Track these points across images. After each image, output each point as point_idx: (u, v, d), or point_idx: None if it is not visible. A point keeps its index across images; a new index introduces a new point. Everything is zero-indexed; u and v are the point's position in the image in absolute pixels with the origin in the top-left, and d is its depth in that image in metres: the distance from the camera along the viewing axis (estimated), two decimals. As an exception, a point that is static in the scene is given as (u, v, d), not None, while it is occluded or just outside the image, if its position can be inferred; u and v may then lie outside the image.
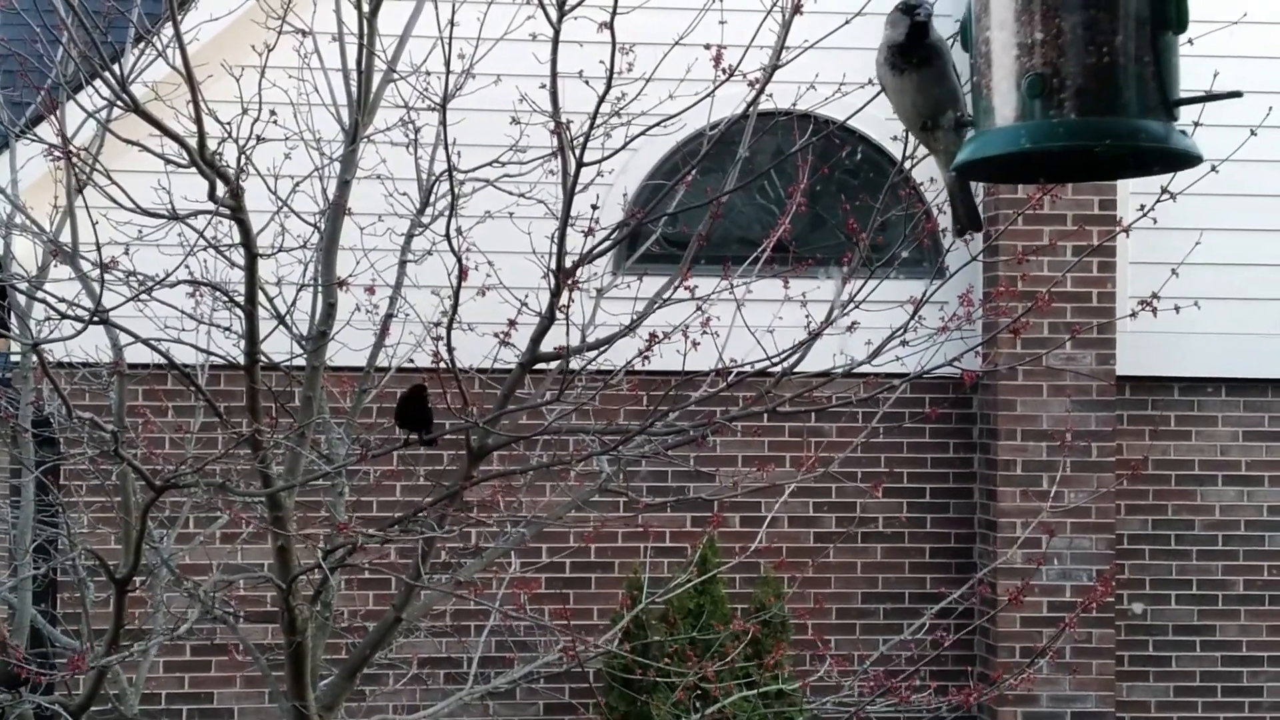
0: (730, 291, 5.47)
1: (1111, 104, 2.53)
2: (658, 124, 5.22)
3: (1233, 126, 5.39)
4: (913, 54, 2.91)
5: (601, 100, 4.93)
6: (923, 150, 4.83)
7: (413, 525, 5.31)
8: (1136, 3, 2.54)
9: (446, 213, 5.23)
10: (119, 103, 4.85)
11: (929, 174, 5.24)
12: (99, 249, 4.90)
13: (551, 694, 8.52)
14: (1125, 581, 9.31)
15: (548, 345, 5.16)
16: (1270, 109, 5.94)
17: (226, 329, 5.72)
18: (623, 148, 5.19)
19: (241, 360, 5.15)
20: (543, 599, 6.57)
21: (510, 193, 5.90)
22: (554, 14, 4.86)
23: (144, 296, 5.08)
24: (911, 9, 2.90)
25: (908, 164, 5.02)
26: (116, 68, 4.87)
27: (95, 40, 4.79)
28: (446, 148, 5.05)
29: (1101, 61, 2.52)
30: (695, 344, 5.24)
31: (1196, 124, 4.39)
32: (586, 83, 4.92)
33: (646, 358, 5.02)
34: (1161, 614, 9.45)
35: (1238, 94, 2.70)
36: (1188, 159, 2.59)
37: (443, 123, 5.10)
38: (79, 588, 6.55)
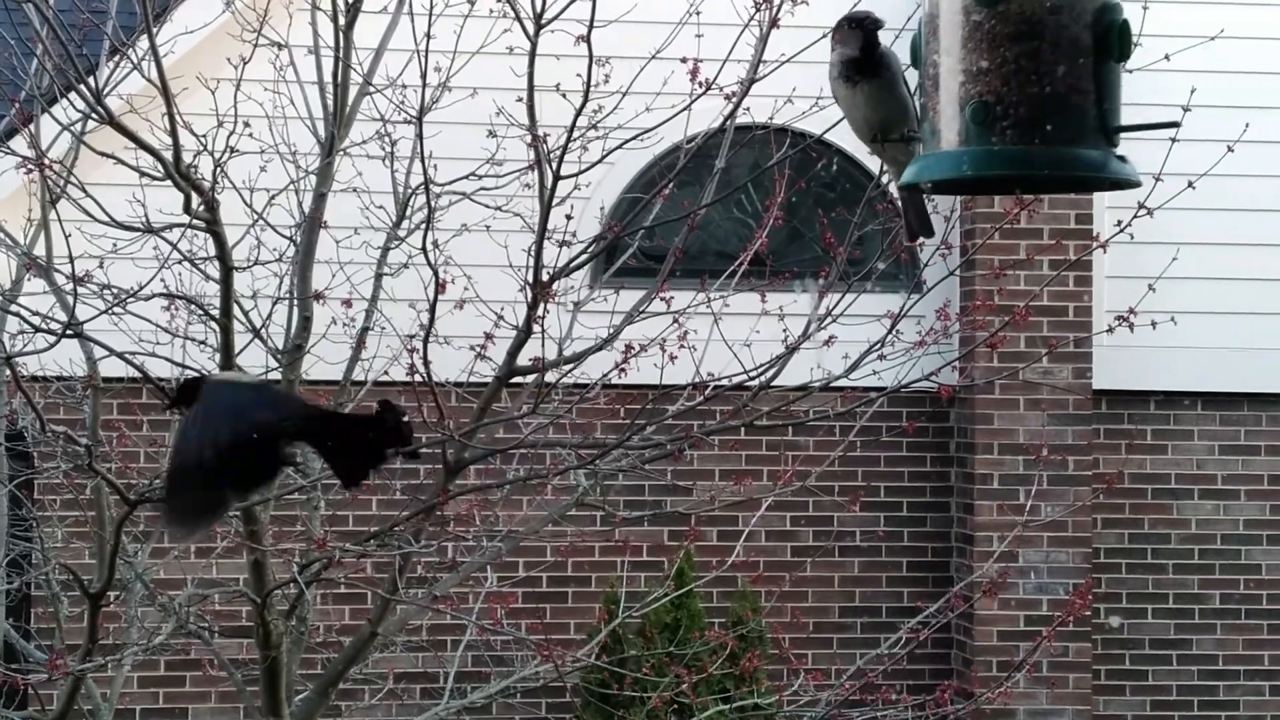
0: (707, 305, 5.46)
1: (1052, 132, 2.60)
2: (635, 137, 5.21)
3: (1210, 141, 5.41)
4: (865, 67, 2.94)
5: (578, 113, 4.93)
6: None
7: (389, 540, 5.29)
8: (1080, 34, 2.60)
9: (423, 226, 5.22)
10: (94, 116, 4.84)
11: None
12: (73, 262, 4.89)
13: (528, 709, 8.50)
14: (1102, 595, 9.32)
15: (524, 359, 5.15)
16: (1247, 124, 5.96)
17: (202, 342, 5.70)
18: (599, 161, 5.19)
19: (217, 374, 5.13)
20: (519, 613, 6.54)
21: (487, 206, 5.89)
22: (531, 27, 4.86)
23: (118, 310, 5.06)
24: (860, 21, 2.93)
25: (884, 178, 5.02)
26: (92, 80, 4.86)
27: (70, 53, 4.78)
28: (423, 161, 5.04)
29: (1044, 91, 2.59)
30: (672, 357, 5.23)
31: (1174, 140, 4.41)
32: (564, 96, 4.91)
33: (623, 371, 5.02)
34: (1138, 628, 9.45)
35: (1175, 124, 2.78)
36: (1124, 184, 2.67)
37: (419, 136, 5.09)
38: (52, 602, 6.51)
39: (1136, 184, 2.67)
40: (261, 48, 5.89)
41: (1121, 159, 2.64)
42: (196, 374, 5.61)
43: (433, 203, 5.13)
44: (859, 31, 2.93)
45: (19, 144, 6.20)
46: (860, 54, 2.94)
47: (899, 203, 3.12)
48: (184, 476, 3.18)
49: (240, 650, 7.28)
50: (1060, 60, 2.59)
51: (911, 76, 2.89)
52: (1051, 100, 2.59)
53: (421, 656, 8.27)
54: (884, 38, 2.99)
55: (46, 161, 4.95)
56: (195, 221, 4.92)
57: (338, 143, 5.64)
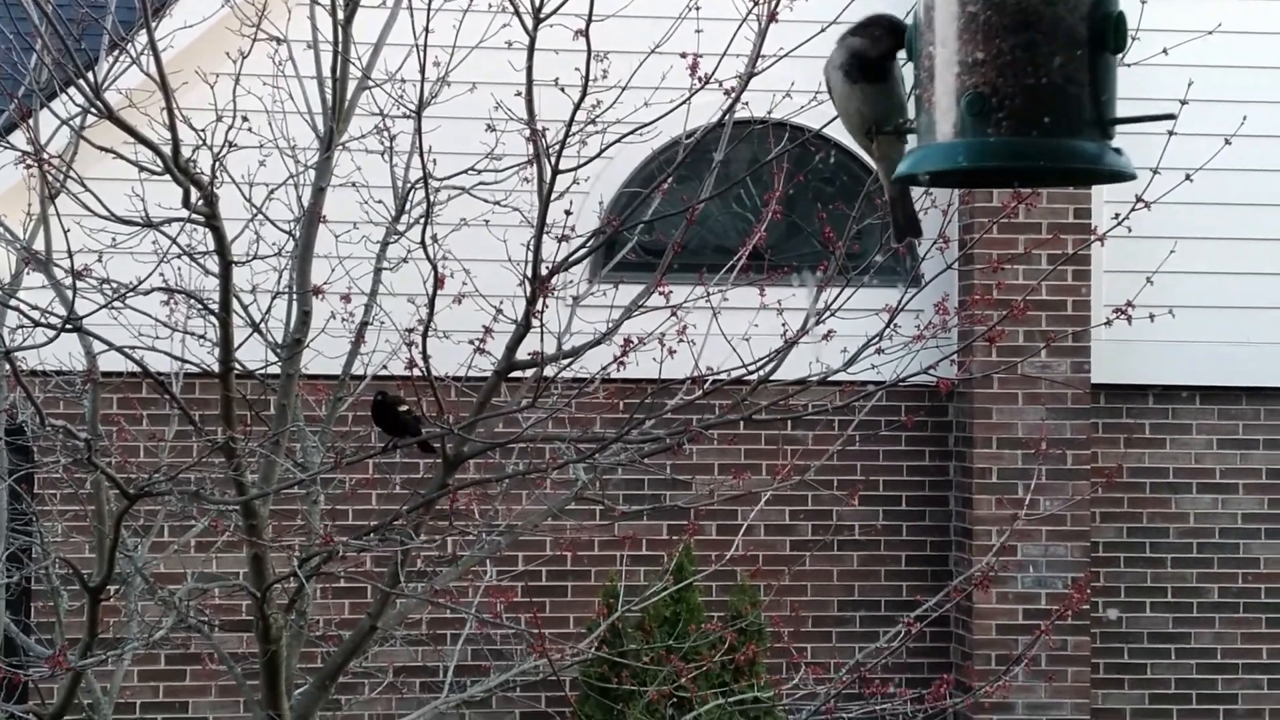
0: (706, 299, 5.46)
1: (1047, 124, 2.59)
2: (633, 131, 5.21)
3: (1208, 135, 5.41)
4: (873, 72, 2.93)
5: (577, 108, 4.93)
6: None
7: (389, 533, 5.30)
8: (1077, 25, 2.59)
9: (422, 220, 5.23)
10: (93, 110, 4.84)
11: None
12: (72, 257, 4.89)
13: (527, 702, 8.51)
14: (1100, 589, 9.33)
15: (523, 353, 5.16)
16: (1245, 118, 5.96)
17: (201, 337, 5.70)
18: (598, 155, 5.19)
19: (216, 368, 5.13)
20: (519, 607, 6.55)
21: (486, 200, 5.89)
22: (530, 22, 4.86)
23: (118, 304, 5.06)
24: (897, 29, 2.90)
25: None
26: (90, 75, 4.86)
27: (69, 47, 4.78)
28: (422, 155, 5.04)
29: (1040, 82, 2.58)
30: (671, 352, 5.23)
31: (1171, 133, 4.42)
32: (562, 90, 4.92)
33: (622, 365, 5.02)
34: (1136, 621, 9.46)
35: (1172, 116, 2.77)
36: (1119, 177, 2.66)
37: (418, 130, 5.09)
38: (52, 596, 6.52)
39: (1132, 176, 2.66)
40: (260, 42, 5.89)
41: (1118, 151, 2.63)
42: (195, 368, 5.62)
43: (432, 197, 5.13)
44: (891, 39, 2.91)
45: (18, 139, 6.21)
46: (878, 55, 2.92)
47: (888, 203, 3.11)
48: None
49: (240, 644, 7.29)
50: (1056, 52, 2.59)
51: (906, 71, 2.88)
52: (1048, 92, 2.59)
53: (421, 650, 8.28)
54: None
55: (46, 156, 4.95)
56: (194, 216, 4.91)
57: (336, 137, 5.64)
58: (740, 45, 4.98)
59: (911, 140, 2.81)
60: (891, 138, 2.95)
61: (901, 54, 2.85)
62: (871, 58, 2.92)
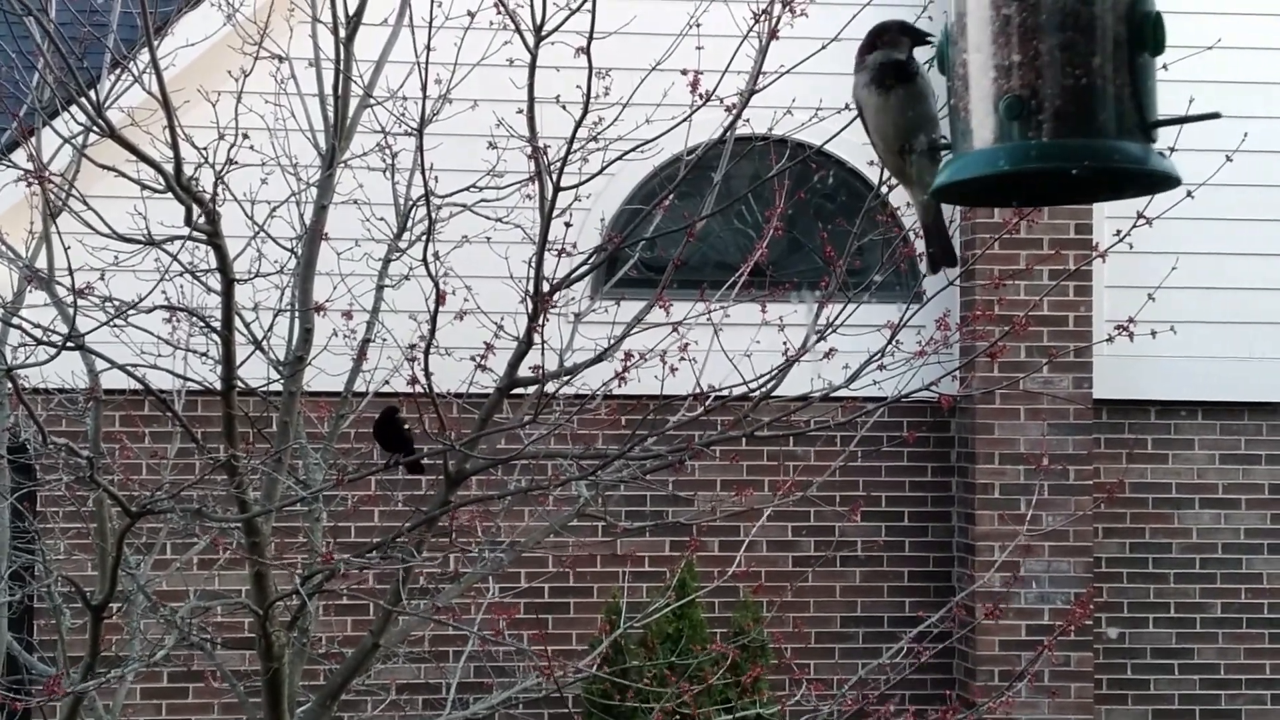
0: (708, 316, 5.47)
1: (1089, 126, 2.53)
2: (635, 148, 5.22)
3: (1209, 151, 5.41)
4: (903, 72, 2.90)
5: (578, 125, 4.94)
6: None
7: (391, 551, 5.29)
8: (1114, 25, 2.55)
9: (424, 237, 5.23)
10: (95, 128, 4.85)
11: (905, 198, 5.25)
12: (74, 274, 4.89)
13: (530, 720, 8.50)
14: (1103, 605, 9.32)
15: (525, 369, 5.16)
16: (1246, 134, 5.97)
17: (203, 354, 5.71)
18: (600, 172, 5.19)
19: (218, 386, 5.13)
20: (521, 624, 6.54)
21: (488, 217, 5.90)
22: (531, 39, 4.87)
23: (120, 322, 5.06)
24: (911, 28, 2.89)
25: (884, 189, 5.03)
26: (93, 93, 4.87)
27: (71, 66, 4.79)
28: (424, 172, 5.05)
29: (1079, 83, 2.53)
30: (673, 368, 5.24)
31: (1172, 149, 4.40)
32: (564, 107, 4.92)
33: (624, 381, 5.02)
34: (1139, 637, 9.45)
35: (1216, 115, 2.69)
36: (1166, 180, 2.60)
37: (420, 148, 5.10)
38: (55, 614, 6.51)
39: (1178, 181, 2.57)
40: (262, 60, 5.91)
41: (1162, 154, 2.58)
42: (198, 385, 5.62)
43: (433, 214, 5.13)
44: (908, 38, 2.89)
45: (20, 157, 6.21)
46: (906, 57, 2.90)
47: (921, 232, 3.05)
48: None
49: (242, 662, 7.28)
50: (1095, 51, 2.53)
51: (938, 86, 2.85)
52: (1088, 92, 2.52)
53: (423, 667, 8.27)
54: (924, 53, 2.96)
55: (48, 174, 4.96)
56: (196, 234, 4.92)
57: (338, 155, 5.64)
58: (741, 62, 4.99)
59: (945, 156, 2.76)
60: (925, 160, 2.89)
61: (931, 67, 2.83)
62: (900, 59, 2.90)
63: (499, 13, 4.87)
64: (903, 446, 8.93)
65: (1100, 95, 2.53)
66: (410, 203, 5.94)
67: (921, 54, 2.91)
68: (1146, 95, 2.56)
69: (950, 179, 2.65)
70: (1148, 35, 2.55)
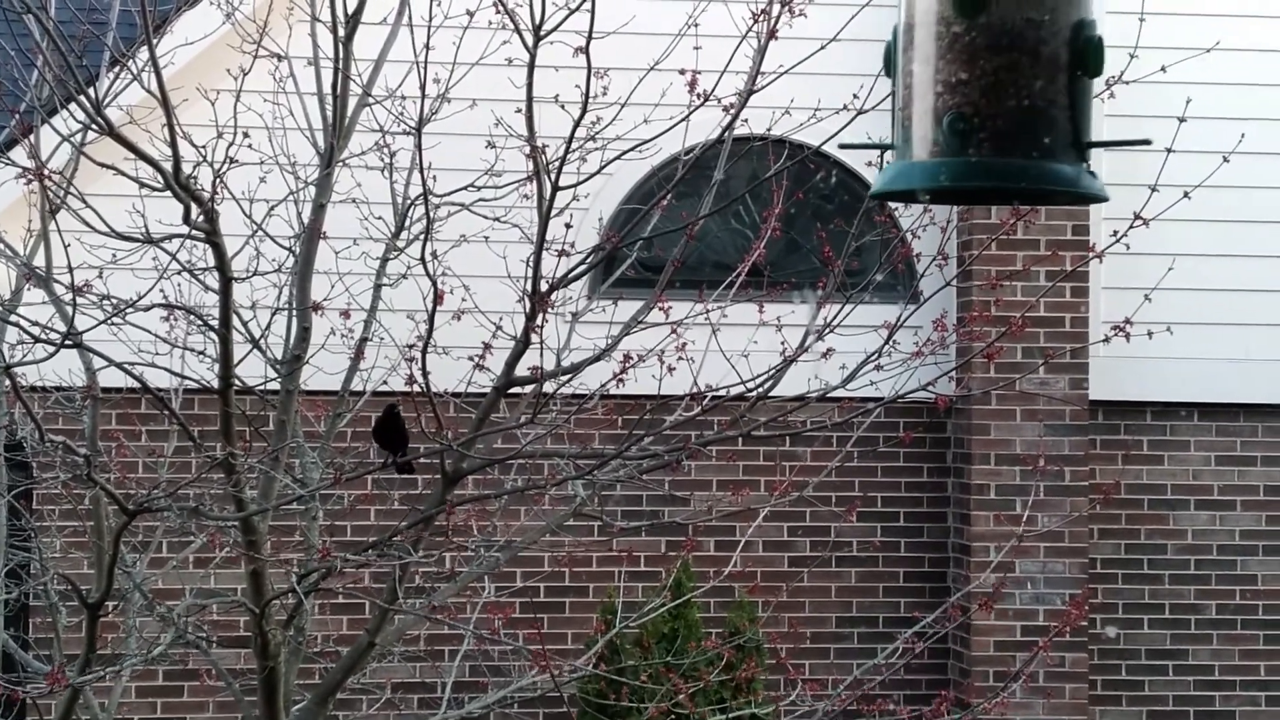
0: (705, 316, 5.47)
1: (1028, 146, 2.61)
2: (633, 148, 5.23)
3: (1206, 152, 5.43)
4: None
5: (577, 125, 4.94)
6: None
7: (387, 549, 5.30)
8: (1058, 50, 2.60)
9: (422, 237, 5.24)
10: (94, 127, 4.86)
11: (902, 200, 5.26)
12: (72, 272, 4.90)
13: (525, 719, 8.50)
14: (1098, 606, 9.33)
15: (523, 369, 5.16)
16: (1243, 135, 5.98)
17: (200, 353, 5.71)
18: (598, 172, 5.20)
19: (215, 384, 5.14)
20: (517, 623, 6.54)
21: (485, 217, 5.90)
22: (530, 39, 4.87)
23: (117, 320, 5.07)
24: None
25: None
26: (91, 92, 4.88)
27: (70, 64, 4.79)
28: (422, 172, 5.05)
29: (1021, 104, 2.60)
30: (670, 368, 5.24)
31: (1169, 150, 4.43)
32: (562, 107, 4.93)
33: (621, 381, 5.03)
34: (1134, 638, 9.46)
35: (1147, 141, 2.79)
36: (1094, 199, 2.68)
37: (418, 147, 5.10)
38: (51, 612, 6.51)
39: (1104, 199, 2.69)
40: (261, 59, 5.91)
41: (1092, 174, 2.66)
42: (195, 383, 5.63)
43: (431, 213, 5.14)
44: None
45: (19, 155, 6.22)
46: None
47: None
48: None
49: (238, 660, 7.28)
50: (1039, 74, 2.60)
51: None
52: (1030, 114, 2.60)
53: (419, 666, 8.27)
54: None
55: (46, 172, 4.96)
56: (194, 232, 4.93)
57: (337, 154, 5.65)
58: (740, 62, 5.00)
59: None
60: None
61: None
62: None
63: (498, 12, 4.88)
64: (899, 447, 8.93)
65: (1041, 117, 2.61)
66: (408, 202, 5.95)
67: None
68: (1083, 116, 2.65)
69: (885, 187, 2.74)
70: (1089, 59, 2.61)
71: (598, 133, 5.18)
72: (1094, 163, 2.68)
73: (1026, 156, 2.61)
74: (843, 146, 3.10)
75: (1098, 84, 2.69)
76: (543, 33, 4.86)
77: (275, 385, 5.70)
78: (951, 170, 2.62)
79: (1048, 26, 2.61)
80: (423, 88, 5.19)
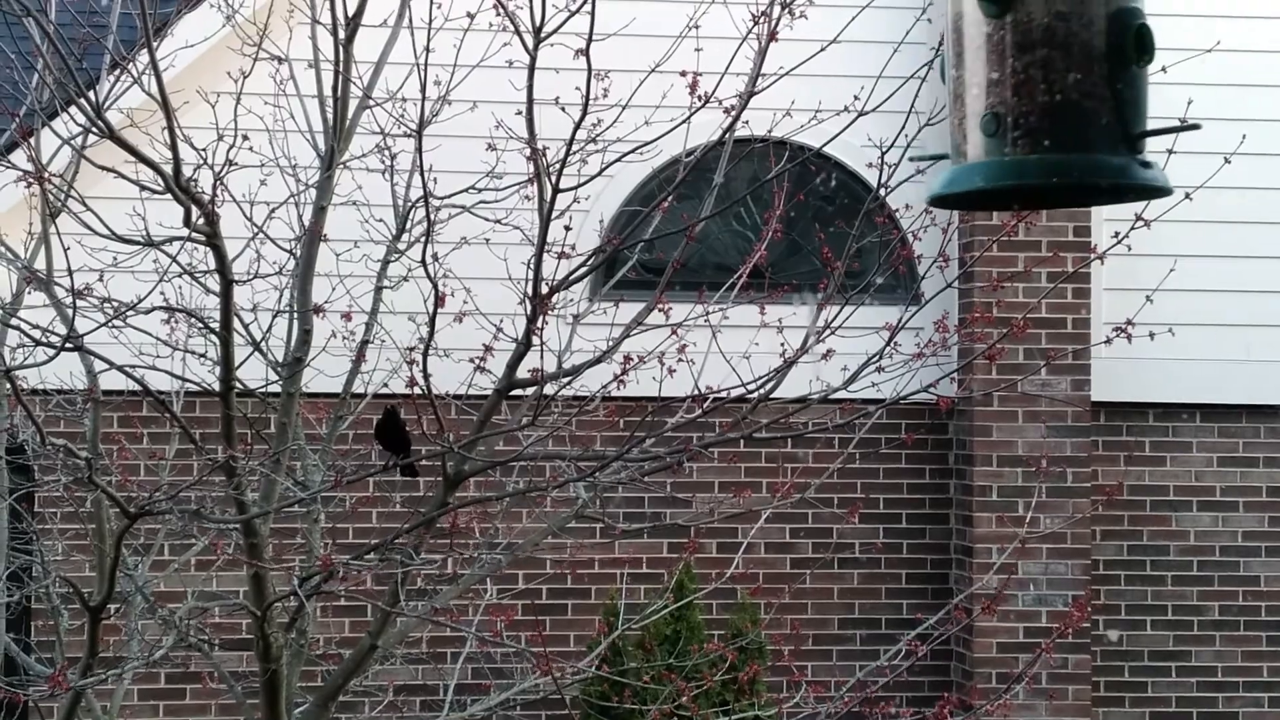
0: (706, 318, 5.47)
1: (1063, 140, 2.57)
2: (634, 150, 5.23)
3: (1206, 154, 5.42)
4: None
5: (577, 126, 4.94)
6: (899, 176, 4.85)
7: (389, 552, 5.29)
8: (1094, 40, 2.57)
9: (423, 239, 5.23)
10: (94, 129, 4.85)
11: (904, 200, 5.26)
12: (73, 275, 4.89)
13: (528, 721, 8.49)
14: (1101, 607, 9.32)
15: (524, 371, 5.16)
16: (1244, 136, 5.97)
17: (201, 355, 5.71)
18: (599, 174, 5.20)
19: (216, 387, 5.14)
20: (519, 626, 6.54)
21: (486, 219, 5.90)
22: (530, 41, 4.87)
23: (118, 323, 5.07)
24: None
25: (883, 191, 5.03)
26: (92, 94, 4.87)
27: (71, 67, 4.79)
28: (423, 174, 5.05)
29: (1054, 99, 2.57)
30: (671, 370, 5.24)
31: (1170, 151, 4.42)
32: (563, 109, 4.93)
33: (622, 383, 5.03)
34: (1137, 639, 9.45)
35: (1196, 126, 2.71)
36: (1147, 190, 2.63)
37: (419, 149, 5.10)
38: (53, 615, 6.52)
39: (1167, 191, 2.61)
40: (261, 62, 5.91)
41: (1146, 164, 2.59)
42: (196, 386, 5.63)
43: (432, 216, 5.13)
44: None
45: (19, 158, 6.22)
46: None
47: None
48: None
49: (240, 663, 7.28)
50: (1072, 67, 2.57)
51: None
52: (1062, 109, 2.57)
53: (421, 669, 8.27)
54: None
55: (47, 175, 4.96)
56: (195, 235, 4.92)
57: (337, 156, 5.64)
58: (740, 64, 4.99)
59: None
60: None
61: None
62: None
63: (498, 14, 4.87)
64: (901, 449, 8.93)
65: (1075, 110, 2.56)
66: (409, 204, 5.95)
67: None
68: (1130, 106, 2.58)
69: (937, 192, 2.70)
70: (1130, 48, 2.57)
71: (598, 135, 5.18)
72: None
73: (1060, 151, 2.58)
74: (913, 159, 3.05)
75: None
76: (543, 35, 4.86)
77: (276, 388, 5.70)
78: (985, 172, 2.59)
79: (1077, 19, 2.57)
80: (423, 90, 5.19)
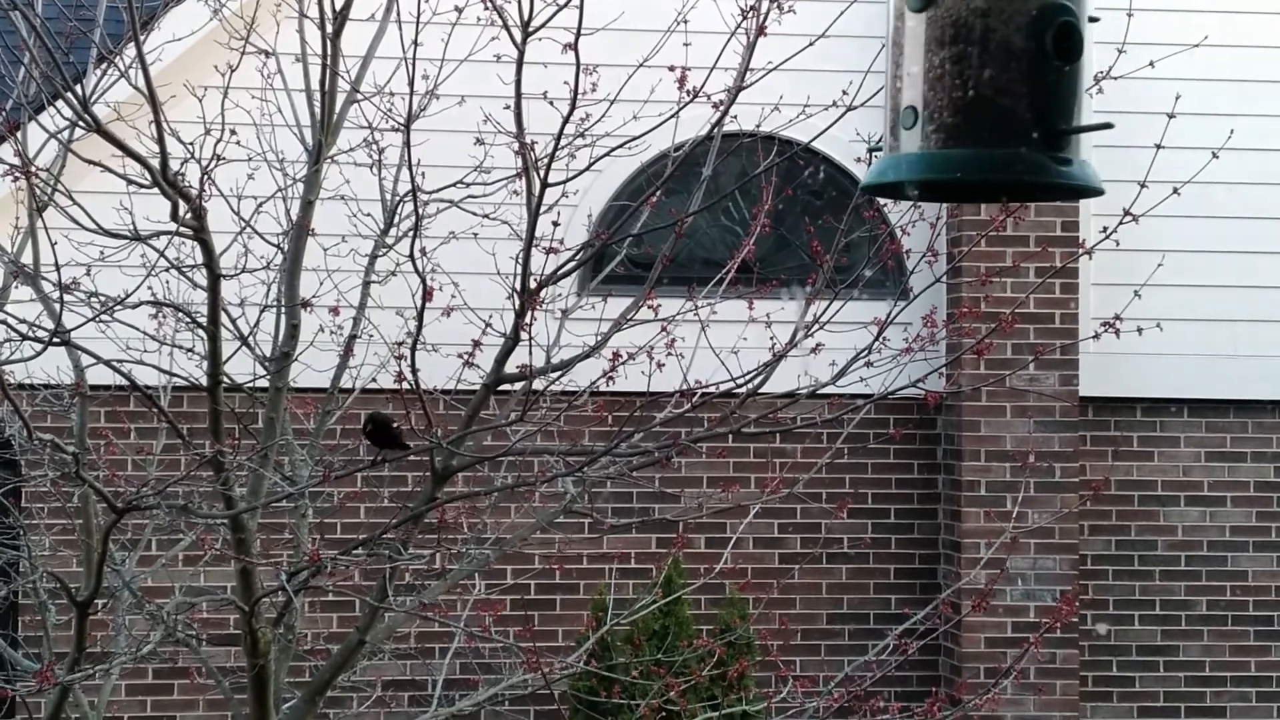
0: (695, 312, 5.47)
1: (977, 136, 2.57)
2: (622, 145, 5.22)
3: (1195, 148, 5.43)
4: None
5: (566, 121, 4.93)
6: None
7: (377, 547, 5.29)
8: (1011, 37, 2.57)
9: (410, 233, 5.22)
10: (81, 123, 4.84)
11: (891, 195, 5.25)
12: (60, 270, 4.88)
13: (516, 716, 8.49)
14: (1089, 602, 9.33)
15: (512, 366, 5.15)
16: (1232, 131, 5.97)
17: (189, 350, 5.70)
18: (587, 169, 5.19)
19: (204, 382, 5.13)
20: (507, 621, 6.54)
21: (475, 213, 5.90)
22: (518, 35, 4.86)
23: (105, 317, 5.06)
24: None
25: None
26: (79, 88, 4.86)
27: (57, 60, 4.78)
28: (410, 168, 5.04)
29: (967, 95, 2.57)
30: (660, 365, 5.24)
31: (1159, 146, 4.43)
32: (551, 104, 4.92)
33: (611, 378, 5.02)
34: (1125, 634, 9.46)
35: (1108, 125, 2.69)
36: (1066, 190, 2.63)
37: (406, 143, 5.09)
38: (40, 610, 6.50)
39: (1089, 190, 2.62)
40: (249, 55, 5.89)
41: (1064, 161, 2.59)
42: (184, 381, 5.62)
43: (420, 210, 5.12)
44: None
45: (6, 152, 6.20)
46: None
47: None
48: None
49: (228, 658, 7.27)
50: (988, 64, 2.57)
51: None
52: (975, 104, 2.57)
53: (409, 664, 8.26)
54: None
55: (33, 169, 4.94)
56: (183, 229, 4.92)
57: (325, 150, 5.64)
58: (729, 59, 4.99)
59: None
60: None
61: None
62: None
63: (486, 8, 4.86)
64: (889, 443, 8.95)
65: (988, 106, 2.56)
66: (397, 198, 5.94)
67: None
68: (1051, 103, 2.58)
69: (864, 182, 2.76)
70: (1051, 46, 2.56)
71: (587, 129, 5.17)
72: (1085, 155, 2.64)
73: (972, 146, 2.58)
74: (871, 150, 3.04)
75: (1085, 79, 2.65)
76: (531, 29, 4.85)
77: (264, 382, 5.69)
78: (901, 165, 2.64)
79: (997, 15, 2.57)
80: (411, 84, 5.18)
